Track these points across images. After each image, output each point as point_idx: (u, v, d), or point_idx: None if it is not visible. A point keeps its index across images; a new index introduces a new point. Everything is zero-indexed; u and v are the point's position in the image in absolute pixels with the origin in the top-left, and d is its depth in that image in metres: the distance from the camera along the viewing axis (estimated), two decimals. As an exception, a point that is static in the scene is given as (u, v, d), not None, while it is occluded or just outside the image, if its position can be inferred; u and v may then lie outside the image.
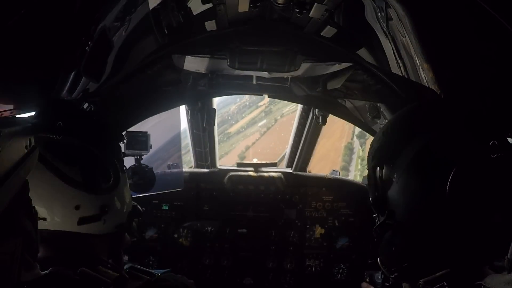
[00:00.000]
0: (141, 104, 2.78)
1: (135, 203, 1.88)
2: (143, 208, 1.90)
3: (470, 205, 1.21)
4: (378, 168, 1.43)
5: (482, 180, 1.21)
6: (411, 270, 1.37)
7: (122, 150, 2.21)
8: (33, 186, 1.35)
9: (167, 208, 3.70)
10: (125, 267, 2.11)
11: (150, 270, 1.68)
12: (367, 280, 3.16)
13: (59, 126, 1.46)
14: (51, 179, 1.47)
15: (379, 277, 3.15)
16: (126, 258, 3.32)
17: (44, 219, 1.50)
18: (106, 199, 1.61)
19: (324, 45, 2.37)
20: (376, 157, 1.45)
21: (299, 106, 3.86)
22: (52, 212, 1.51)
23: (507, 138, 1.30)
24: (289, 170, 3.98)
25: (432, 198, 1.26)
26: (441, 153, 1.27)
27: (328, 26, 2.19)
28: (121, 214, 1.70)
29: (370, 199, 1.45)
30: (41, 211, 1.48)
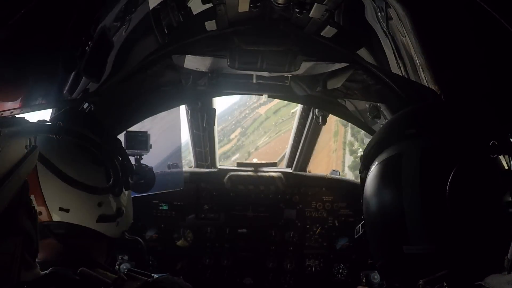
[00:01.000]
0: (141, 104, 2.78)
1: None
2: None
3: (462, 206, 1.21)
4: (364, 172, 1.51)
5: (479, 180, 1.22)
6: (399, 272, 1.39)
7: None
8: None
9: (167, 208, 3.70)
10: (123, 269, 2.12)
11: (148, 273, 1.69)
12: (364, 280, 3.16)
13: (59, 126, 1.46)
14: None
15: (375, 277, 3.16)
16: (126, 257, 3.33)
17: (67, 210, 1.51)
18: (121, 202, 1.67)
19: (324, 45, 2.37)
20: (362, 161, 1.54)
21: (299, 106, 3.86)
22: (77, 205, 1.54)
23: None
24: (289, 170, 3.98)
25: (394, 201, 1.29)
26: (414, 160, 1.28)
27: (328, 26, 2.19)
28: (128, 220, 1.75)
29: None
30: (66, 202, 1.51)
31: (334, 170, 4.04)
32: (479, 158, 1.22)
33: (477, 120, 1.34)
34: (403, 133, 1.37)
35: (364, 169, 1.53)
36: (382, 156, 1.39)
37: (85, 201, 1.55)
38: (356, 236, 1.54)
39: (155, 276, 1.64)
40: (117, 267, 2.50)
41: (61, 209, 1.51)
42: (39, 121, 1.49)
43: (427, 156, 1.27)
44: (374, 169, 1.40)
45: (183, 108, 3.61)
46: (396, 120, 1.52)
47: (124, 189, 1.70)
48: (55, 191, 1.50)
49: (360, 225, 1.52)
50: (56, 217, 1.51)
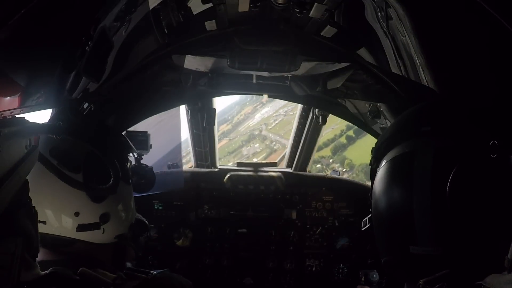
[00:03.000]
0: (141, 104, 2.78)
1: (143, 219, 1.88)
2: (152, 225, 1.92)
3: (468, 206, 1.20)
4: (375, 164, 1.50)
5: (482, 180, 1.21)
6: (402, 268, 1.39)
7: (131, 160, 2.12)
8: (34, 188, 1.35)
9: (167, 208, 3.70)
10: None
11: (146, 270, 1.68)
12: (362, 279, 3.17)
13: (59, 126, 1.46)
14: (53, 183, 1.47)
15: (374, 276, 3.17)
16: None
17: (44, 222, 1.50)
18: (106, 207, 1.60)
19: (324, 45, 2.37)
20: (374, 153, 1.52)
21: (299, 106, 3.86)
22: (52, 216, 1.51)
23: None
24: (289, 170, 3.98)
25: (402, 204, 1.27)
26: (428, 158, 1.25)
27: (328, 26, 2.19)
28: (121, 224, 1.69)
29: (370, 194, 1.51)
30: (41, 215, 1.48)
31: (334, 170, 4.04)
32: (485, 158, 1.21)
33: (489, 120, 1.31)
34: (418, 130, 1.33)
35: (375, 161, 1.51)
36: (394, 152, 1.36)
37: (59, 213, 1.51)
38: (362, 229, 1.53)
39: (154, 272, 1.64)
40: None
41: (38, 221, 1.46)
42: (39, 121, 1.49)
43: (440, 156, 1.24)
44: (385, 164, 1.37)
45: (183, 108, 3.61)
46: (410, 115, 1.47)
47: (110, 193, 1.61)
48: None
49: (367, 218, 1.50)
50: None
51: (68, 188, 1.48)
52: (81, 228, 1.54)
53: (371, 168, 1.55)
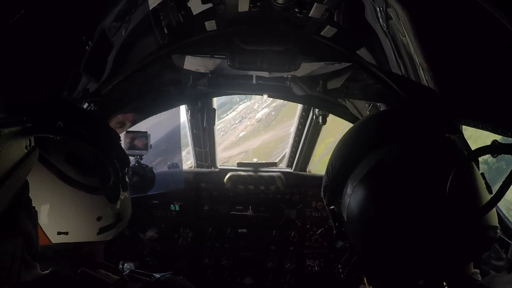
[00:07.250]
0: (141, 104, 2.79)
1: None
2: (149, 220, 1.91)
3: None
4: (332, 205, 1.52)
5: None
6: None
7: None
8: (57, 200, 1.35)
9: (167, 208, 3.70)
10: (127, 268, 2.09)
11: (150, 273, 1.68)
12: (364, 279, 3.17)
13: (59, 126, 1.45)
14: (73, 192, 1.45)
15: None
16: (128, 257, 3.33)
17: (66, 233, 1.47)
18: (119, 205, 1.60)
19: (324, 45, 2.37)
20: (329, 192, 1.54)
21: (299, 106, 3.86)
22: (76, 226, 1.49)
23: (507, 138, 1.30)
24: (289, 170, 3.99)
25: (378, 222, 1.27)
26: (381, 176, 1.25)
27: (328, 26, 2.19)
28: (127, 219, 1.70)
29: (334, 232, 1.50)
30: (63, 226, 1.46)
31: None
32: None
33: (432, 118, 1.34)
34: (368, 145, 1.31)
35: (333, 199, 1.49)
36: (358, 175, 1.31)
37: (83, 220, 1.49)
38: (344, 270, 1.49)
39: (157, 276, 1.63)
40: (121, 266, 2.48)
41: (59, 233, 1.46)
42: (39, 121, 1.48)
43: (411, 154, 1.24)
44: (356, 190, 1.32)
45: (183, 108, 3.61)
46: (349, 139, 1.44)
47: (122, 191, 1.62)
48: (51, 218, 1.43)
49: (345, 257, 1.46)
50: (55, 240, 1.47)
51: (89, 195, 1.48)
52: (101, 230, 1.53)
53: (331, 210, 1.53)
